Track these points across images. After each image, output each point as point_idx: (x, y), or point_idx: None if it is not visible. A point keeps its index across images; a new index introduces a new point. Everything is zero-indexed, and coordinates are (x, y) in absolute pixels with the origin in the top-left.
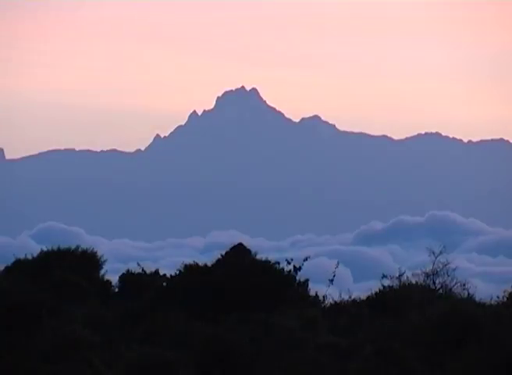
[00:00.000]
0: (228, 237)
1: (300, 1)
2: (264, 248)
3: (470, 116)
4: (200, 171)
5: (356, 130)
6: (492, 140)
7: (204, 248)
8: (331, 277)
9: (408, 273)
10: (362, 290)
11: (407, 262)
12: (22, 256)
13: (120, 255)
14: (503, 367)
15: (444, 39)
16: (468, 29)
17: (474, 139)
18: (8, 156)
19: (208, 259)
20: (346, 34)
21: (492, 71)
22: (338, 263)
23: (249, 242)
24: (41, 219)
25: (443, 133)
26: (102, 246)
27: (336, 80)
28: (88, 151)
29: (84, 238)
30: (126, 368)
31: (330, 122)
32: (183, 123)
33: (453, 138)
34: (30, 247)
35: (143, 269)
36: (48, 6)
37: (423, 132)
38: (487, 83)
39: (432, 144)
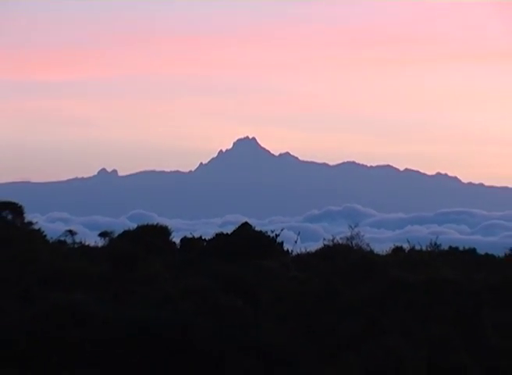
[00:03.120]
0: (234, 218)
1: (275, 83)
2: (255, 224)
3: (371, 152)
4: (222, 181)
5: (310, 160)
6: (383, 165)
7: (221, 224)
8: (295, 240)
9: (337, 238)
10: (306, 248)
11: (331, 232)
12: (125, 229)
13: (175, 228)
14: (390, 288)
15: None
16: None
17: (374, 164)
18: (119, 174)
19: (224, 230)
20: (303, 105)
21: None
22: (299, 233)
23: (247, 221)
24: (133, 208)
25: (357, 161)
26: (166, 223)
27: (299, 131)
28: (163, 171)
29: (157, 219)
30: (184, 290)
31: (295, 155)
32: (215, 155)
33: (363, 164)
34: (126, 224)
35: (193, 236)
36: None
37: (346, 160)
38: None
39: (350, 167)
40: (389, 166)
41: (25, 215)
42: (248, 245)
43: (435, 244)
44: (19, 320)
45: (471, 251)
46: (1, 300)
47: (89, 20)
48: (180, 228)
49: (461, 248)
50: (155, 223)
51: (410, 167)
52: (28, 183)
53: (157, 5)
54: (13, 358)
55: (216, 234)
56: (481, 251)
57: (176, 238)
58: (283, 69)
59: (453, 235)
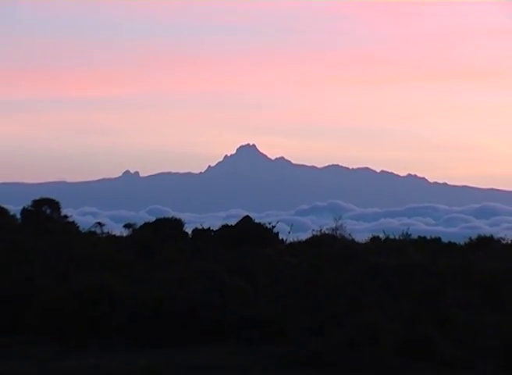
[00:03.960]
0: (237, 212)
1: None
2: (254, 217)
3: (353, 156)
4: (227, 181)
5: (301, 163)
6: (362, 167)
7: (225, 217)
8: (288, 230)
9: (323, 229)
10: (297, 237)
11: (318, 224)
12: (145, 222)
13: (187, 221)
14: (368, 271)
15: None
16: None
17: (355, 166)
18: (141, 175)
19: (229, 223)
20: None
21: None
22: (292, 225)
23: (248, 215)
24: (152, 204)
25: (340, 164)
26: (180, 216)
27: (292, 139)
28: (177, 173)
29: (171, 213)
30: (195, 273)
31: (289, 159)
32: (221, 159)
33: (346, 167)
34: (145, 217)
35: (202, 227)
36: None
37: (331, 163)
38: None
39: (335, 169)
40: (367, 168)
41: (61, 209)
42: (249, 235)
43: (406, 234)
44: (59, 297)
45: (436, 240)
46: (43, 280)
47: (119, 47)
48: (191, 221)
49: (428, 237)
50: (170, 217)
51: (385, 169)
52: (64, 182)
53: (172, 36)
54: (54, 328)
55: (222, 226)
56: (444, 239)
57: (188, 229)
58: (279, 88)
59: (420, 226)
